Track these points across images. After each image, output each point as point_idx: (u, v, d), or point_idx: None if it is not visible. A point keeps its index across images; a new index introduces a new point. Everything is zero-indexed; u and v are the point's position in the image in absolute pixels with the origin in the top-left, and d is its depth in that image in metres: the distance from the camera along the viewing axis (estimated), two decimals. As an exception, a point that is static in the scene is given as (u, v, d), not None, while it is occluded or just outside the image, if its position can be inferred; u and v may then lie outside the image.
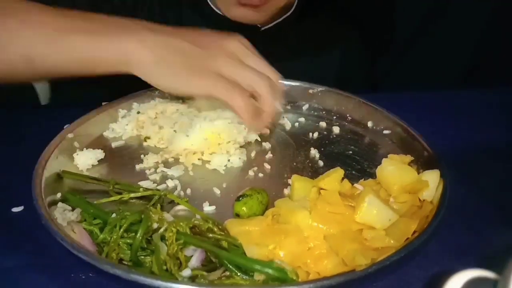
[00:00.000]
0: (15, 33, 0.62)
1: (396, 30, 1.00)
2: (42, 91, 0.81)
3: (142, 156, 0.71)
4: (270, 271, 0.51)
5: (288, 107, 0.83)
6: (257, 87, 0.66)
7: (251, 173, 0.69)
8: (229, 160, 0.71)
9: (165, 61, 0.63)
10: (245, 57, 0.68)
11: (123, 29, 0.64)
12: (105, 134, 0.75)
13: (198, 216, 0.59)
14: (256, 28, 0.89)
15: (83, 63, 0.64)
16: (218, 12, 0.86)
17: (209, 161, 0.70)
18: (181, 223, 0.55)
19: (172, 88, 0.66)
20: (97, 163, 0.69)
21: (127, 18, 0.66)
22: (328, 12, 0.95)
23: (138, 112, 0.77)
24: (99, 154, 0.70)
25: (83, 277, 0.53)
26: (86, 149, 0.70)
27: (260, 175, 0.69)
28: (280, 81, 0.71)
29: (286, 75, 0.83)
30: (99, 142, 0.73)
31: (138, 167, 0.69)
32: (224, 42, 0.68)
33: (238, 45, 0.68)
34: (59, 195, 0.61)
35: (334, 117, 0.81)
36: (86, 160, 0.68)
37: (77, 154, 0.68)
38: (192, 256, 0.53)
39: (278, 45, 0.92)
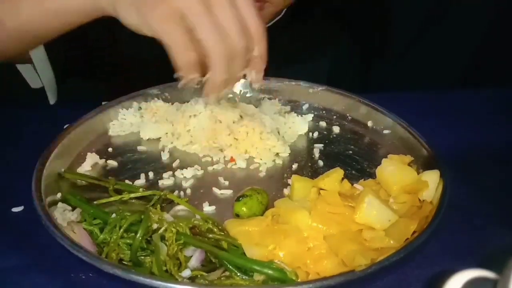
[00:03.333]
0: None
1: (392, 30, 1.00)
2: (51, 91, 0.81)
3: (142, 155, 0.71)
4: (269, 271, 0.51)
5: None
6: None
7: (251, 173, 0.69)
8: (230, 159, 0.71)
9: None
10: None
11: None
12: (105, 133, 0.75)
13: (198, 216, 0.59)
14: None
15: (51, 13, 0.61)
16: None
17: (211, 159, 0.71)
18: (181, 224, 0.55)
19: (134, 26, 0.57)
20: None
21: None
22: (318, 15, 0.95)
23: (140, 108, 0.78)
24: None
25: (83, 277, 0.53)
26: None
27: (260, 175, 0.69)
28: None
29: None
30: (99, 142, 0.73)
31: (138, 166, 0.69)
32: None
33: None
34: (59, 195, 0.61)
35: (334, 117, 0.81)
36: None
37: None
38: (191, 256, 0.53)
39: (269, 49, 0.92)
